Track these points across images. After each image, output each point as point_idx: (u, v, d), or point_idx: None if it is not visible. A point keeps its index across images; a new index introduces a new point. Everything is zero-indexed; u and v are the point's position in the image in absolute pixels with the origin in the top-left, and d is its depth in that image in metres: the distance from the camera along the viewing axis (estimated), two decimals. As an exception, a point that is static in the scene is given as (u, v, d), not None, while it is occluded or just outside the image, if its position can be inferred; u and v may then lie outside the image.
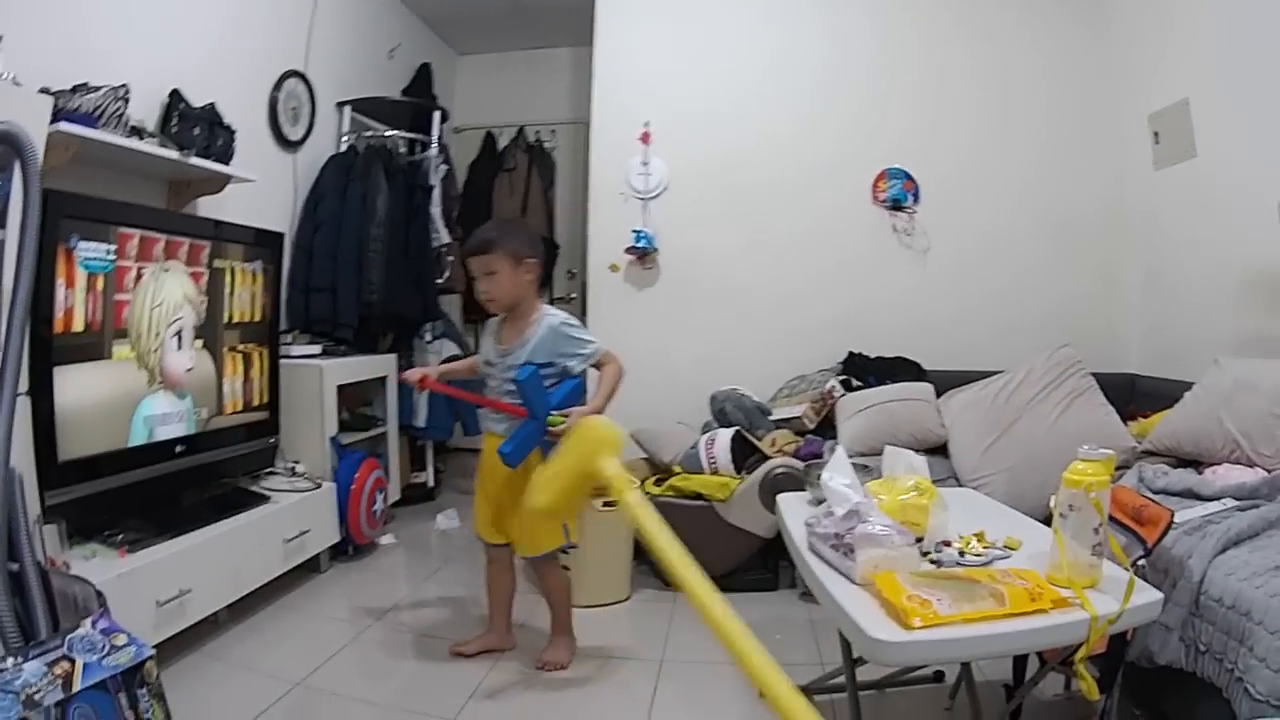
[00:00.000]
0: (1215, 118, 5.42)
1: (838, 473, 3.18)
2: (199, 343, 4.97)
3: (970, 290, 6.76)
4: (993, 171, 6.81)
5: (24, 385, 2.98)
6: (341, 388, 6.31)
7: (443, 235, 7.57)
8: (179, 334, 4.78)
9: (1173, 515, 2.94)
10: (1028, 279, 6.71)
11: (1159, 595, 2.61)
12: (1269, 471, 4.07)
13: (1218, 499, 3.84)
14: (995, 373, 5.74)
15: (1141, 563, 2.79)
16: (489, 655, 4.60)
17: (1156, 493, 4.02)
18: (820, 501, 3.32)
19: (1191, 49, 5.62)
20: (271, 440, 5.71)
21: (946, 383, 6.00)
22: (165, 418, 4.70)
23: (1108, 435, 4.90)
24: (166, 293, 4.66)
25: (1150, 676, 3.32)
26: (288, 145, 6.76)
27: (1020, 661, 3.63)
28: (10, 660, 1.77)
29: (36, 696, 1.73)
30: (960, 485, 5.02)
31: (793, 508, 3.71)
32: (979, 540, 3.06)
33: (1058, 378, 5.39)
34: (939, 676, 4.10)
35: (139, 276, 4.45)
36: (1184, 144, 5.69)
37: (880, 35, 6.94)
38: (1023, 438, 5.20)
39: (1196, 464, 4.49)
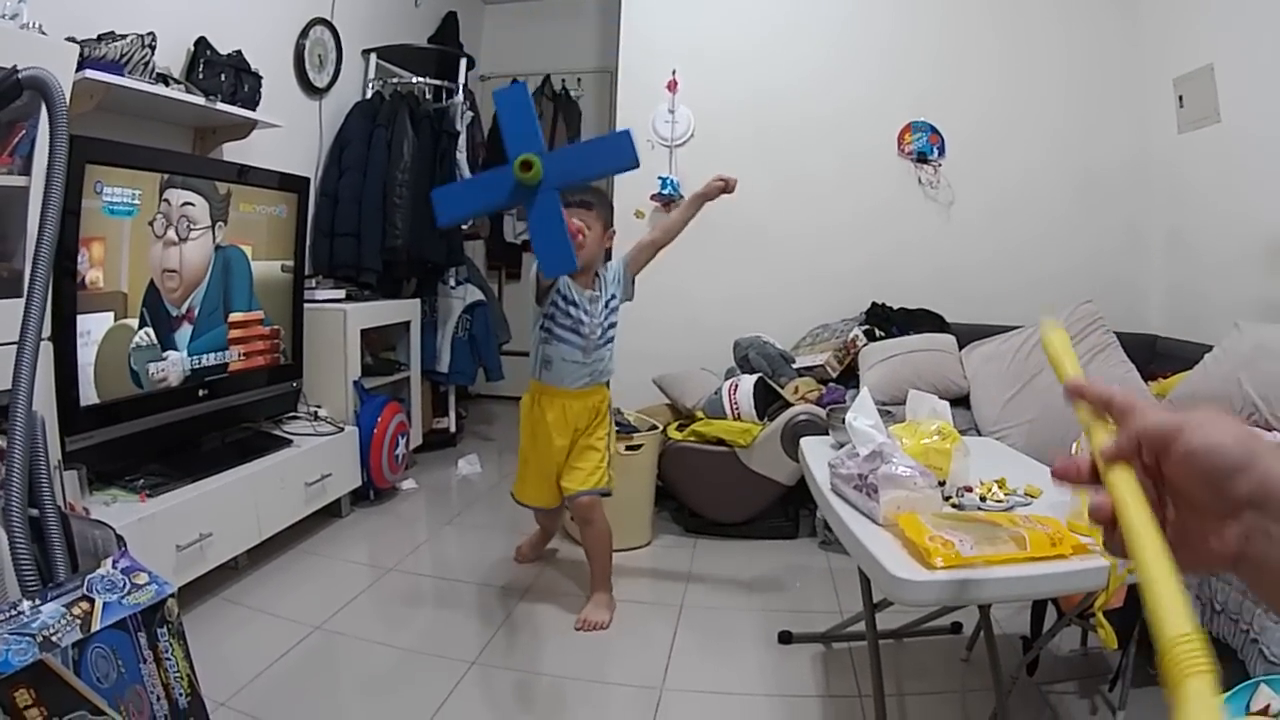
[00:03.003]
0: (1240, 84, 5.38)
1: (862, 414, 3.20)
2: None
3: (994, 244, 6.73)
4: (1017, 128, 6.76)
5: (46, 330, 2.99)
6: (365, 332, 6.33)
7: (469, 181, 7.54)
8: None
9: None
10: (1051, 234, 6.68)
11: (1178, 547, 2.60)
12: (1288, 435, 4.05)
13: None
14: (1017, 326, 5.76)
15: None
16: (511, 596, 4.65)
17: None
18: (843, 444, 3.34)
19: (1218, 14, 5.57)
20: (294, 384, 5.74)
21: (969, 335, 6.02)
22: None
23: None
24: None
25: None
26: (314, 92, 6.75)
27: (1037, 614, 3.65)
28: (27, 603, 1.79)
29: (54, 638, 1.74)
30: (980, 436, 5.02)
31: (816, 450, 3.73)
32: (1000, 486, 3.06)
33: (1079, 333, 5.40)
34: (956, 628, 4.12)
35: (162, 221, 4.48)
36: (1208, 109, 5.65)
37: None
38: (1043, 391, 5.22)
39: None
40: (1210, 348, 4.78)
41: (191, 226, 4.70)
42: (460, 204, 3.48)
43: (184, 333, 4.73)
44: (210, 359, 4.95)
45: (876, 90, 6.83)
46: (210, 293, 4.90)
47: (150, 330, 4.47)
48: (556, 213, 3.22)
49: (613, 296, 4.40)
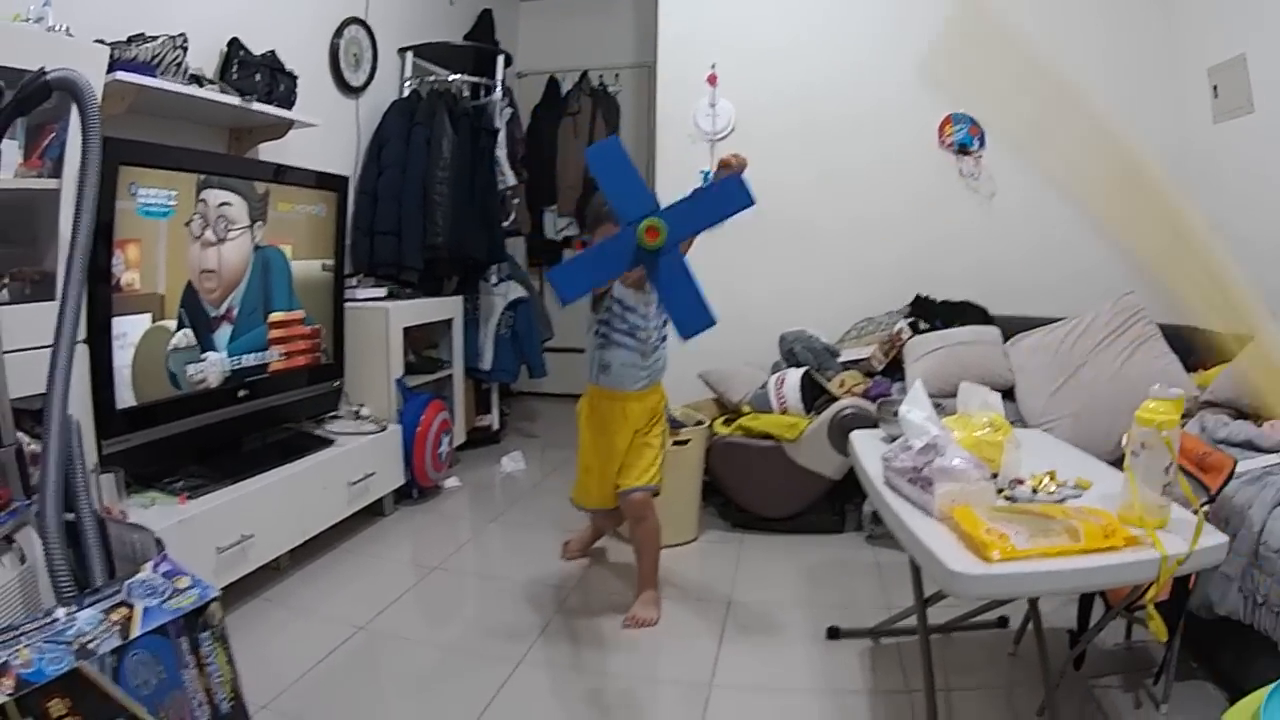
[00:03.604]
0: (1273, 75, 5.32)
1: (916, 406, 3.18)
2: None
3: (1035, 235, 6.65)
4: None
5: (81, 333, 2.97)
6: (407, 330, 6.32)
7: (508, 178, 7.56)
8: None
9: (1235, 463, 2.91)
10: (1092, 225, 6.61)
11: (1225, 538, 2.57)
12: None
13: (1277, 451, 3.84)
14: (1059, 318, 5.74)
15: (1206, 509, 2.75)
16: (557, 594, 4.63)
17: (1218, 442, 4.01)
18: (894, 438, 3.32)
19: (1250, 5, 5.50)
20: (336, 384, 5.74)
21: (1012, 327, 5.98)
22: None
23: (1171, 383, 4.82)
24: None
25: (1209, 629, 3.30)
26: (350, 91, 6.75)
27: (1084, 608, 3.62)
28: (62, 610, 1.76)
29: (90, 645, 1.71)
30: (1027, 428, 4.97)
31: (866, 444, 3.71)
32: (1051, 479, 3.02)
33: (1121, 325, 5.37)
34: (1003, 622, 4.08)
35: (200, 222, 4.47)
36: (1241, 99, 5.59)
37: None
38: (1088, 383, 5.20)
39: (1256, 416, 4.44)
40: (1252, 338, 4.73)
41: (230, 226, 4.69)
42: (581, 280, 3.37)
43: (223, 333, 4.72)
44: (250, 359, 4.94)
45: (916, 82, 6.78)
46: (250, 293, 4.89)
47: (189, 331, 4.46)
48: (685, 271, 3.20)
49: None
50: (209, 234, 4.56)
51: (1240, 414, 4.53)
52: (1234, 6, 5.68)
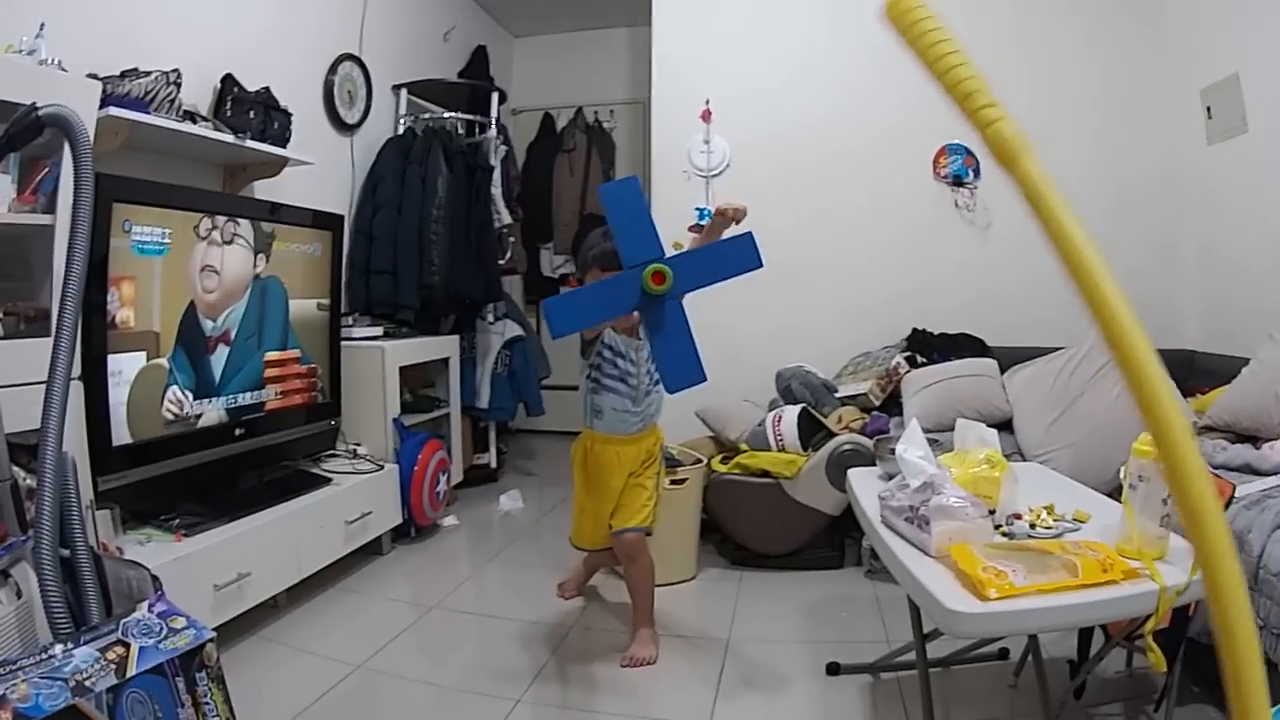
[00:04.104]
0: (1266, 94, 5.34)
1: (912, 445, 3.16)
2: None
3: (1032, 265, 6.63)
4: (1048, 148, 6.55)
5: (76, 370, 2.97)
6: (404, 369, 6.32)
7: (504, 216, 7.60)
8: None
9: (1234, 489, 2.91)
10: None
11: (1226, 567, 2.56)
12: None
13: (1276, 474, 3.85)
14: (1058, 348, 5.72)
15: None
16: (556, 633, 4.60)
17: (1216, 468, 4.04)
18: (891, 476, 3.31)
19: (1243, 25, 5.53)
20: (333, 422, 5.73)
21: (1010, 359, 5.99)
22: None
23: (1169, 409, 4.87)
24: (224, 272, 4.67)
25: (1210, 653, 3.28)
26: (344, 128, 6.77)
27: (1085, 638, 3.62)
28: (59, 647, 1.75)
29: (87, 682, 1.71)
30: (1024, 460, 4.99)
31: (863, 482, 3.71)
32: (1049, 513, 3.03)
33: (1116, 356, 5.34)
34: (1004, 654, 4.06)
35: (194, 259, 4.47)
36: (1235, 119, 5.61)
37: (936, 11, 6.87)
38: (1085, 414, 5.19)
39: (1254, 439, 4.45)
40: (1248, 360, 4.76)
41: (237, 234, 4.72)
42: (577, 316, 3.27)
43: (220, 356, 4.72)
44: (247, 398, 4.92)
45: (911, 115, 6.78)
46: (248, 316, 4.89)
47: (180, 385, 4.46)
48: (683, 323, 3.15)
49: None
50: (216, 235, 4.57)
51: (1239, 437, 4.54)
52: (1225, 25, 5.73)
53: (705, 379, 3.22)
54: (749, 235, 3.26)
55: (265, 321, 5.05)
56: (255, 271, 4.92)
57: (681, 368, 3.16)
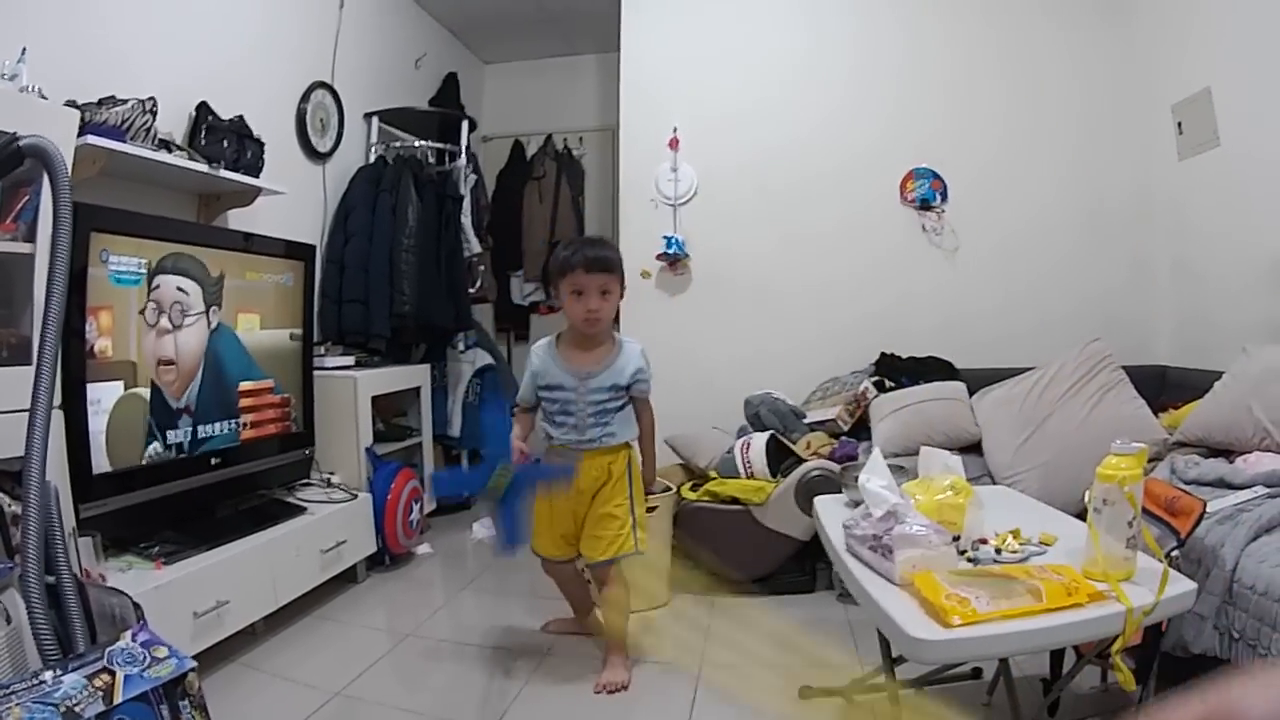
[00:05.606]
0: (1238, 107, 5.41)
1: (875, 474, 3.18)
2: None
3: (1001, 287, 6.74)
4: (1019, 168, 6.79)
5: (57, 399, 2.98)
6: (376, 398, 6.33)
7: (474, 245, 7.63)
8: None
9: (1205, 505, 2.95)
10: (1057, 274, 6.70)
11: (1193, 585, 2.61)
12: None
13: (1249, 487, 3.86)
14: (1028, 369, 5.72)
15: (1175, 554, 2.79)
16: (530, 659, 4.62)
17: (1188, 483, 4.05)
18: (857, 503, 3.32)
19: (1213, 38, 5.62)
20: (307, 452, 5.73)
21: (979, 380, 5.99)
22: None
23: (1139, 428, 4.90)
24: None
25: (1186, 666, 3.32)
26: (317, 157, 6.78)
27: (1057, 656, 3.64)
28: (49, 673, 1.77)
29: (77, 708, 1.73)
30: (995, 483, 5.02)
31: (830, 510, 3.70)
32: (1015, 537, 3.05)
33: (1089, 372, 5.38)
34: (977, 673, 4.08)
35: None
36: (1207, 133, 5.68)
37: (905, 35, 6.93)
38: (1055, 434, 5.19)
39: (1228, 453, 4.48)
40: (1221, 374, 4.80)
41: (185, 309, 4.68)
42: (453, 485, 4.91)
43: (186, 423, 4.72)
44: (220, 428, 4.93)
45: (879, 140, 6.86)
46: (205, 387, 4.86)
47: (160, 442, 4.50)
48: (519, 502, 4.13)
49: (614, 386, 4.33)
50: (165, 321, 4.54)
51: (1212, 452, 4.57)
52: (1197, 39, 5.81)
53: (516, 556, 4.45)
54: (570, 468, 4.28)
55: (222, 374, 5.01)
56: (210, 328, 4.89)
57: (512, 532, 4.19)
